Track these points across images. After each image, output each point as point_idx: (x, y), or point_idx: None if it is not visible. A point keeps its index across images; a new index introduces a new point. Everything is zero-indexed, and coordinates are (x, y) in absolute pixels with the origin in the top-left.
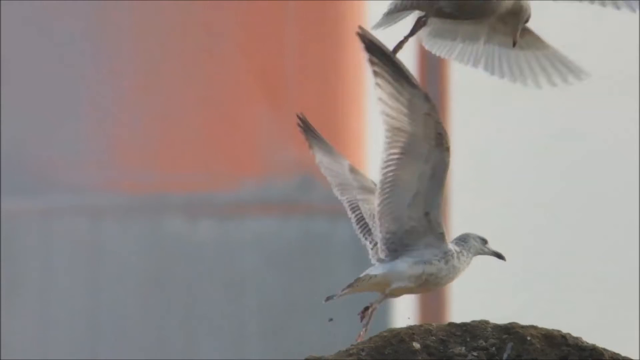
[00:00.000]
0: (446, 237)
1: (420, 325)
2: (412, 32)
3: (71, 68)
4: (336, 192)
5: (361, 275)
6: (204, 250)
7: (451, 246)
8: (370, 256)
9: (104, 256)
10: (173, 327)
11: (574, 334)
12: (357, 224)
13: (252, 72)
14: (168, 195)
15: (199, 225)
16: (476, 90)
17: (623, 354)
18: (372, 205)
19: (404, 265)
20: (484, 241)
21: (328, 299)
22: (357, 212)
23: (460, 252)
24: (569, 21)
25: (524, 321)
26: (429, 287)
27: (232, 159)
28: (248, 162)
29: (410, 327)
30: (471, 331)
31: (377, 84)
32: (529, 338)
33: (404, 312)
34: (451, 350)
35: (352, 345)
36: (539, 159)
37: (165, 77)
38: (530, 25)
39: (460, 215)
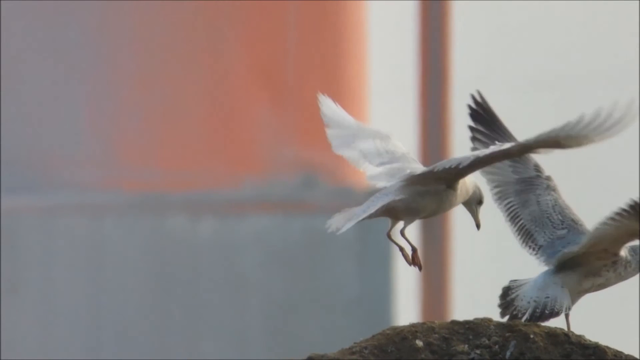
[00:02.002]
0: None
1: (423, 323)
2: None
3: (72, 66)
4: (494, 200)
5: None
6: (206, 248)
7: (623, 253)
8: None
9: (105, 254)
10: (174, 325)
11: (577, 332)
12: (519, 234)
13: (254, 70)
14: (169, 193)
15: (200, 223)
16: (479, 87)
17: (626, 352)
18: (533, 207)
19: (575, 279)
20: None
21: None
22: (519, 222)
23: (629, 262)
24: (568, 20)
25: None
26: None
27: (233, 157)
28: (250, 160)
29: (413, 325)
30: (474, 329)
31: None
32: (531, 336)
33: (407, 310)
34: (454, 348)
35: (354, 343)
36: (541, 156)
37: (166, 75)
38: (532, 25)
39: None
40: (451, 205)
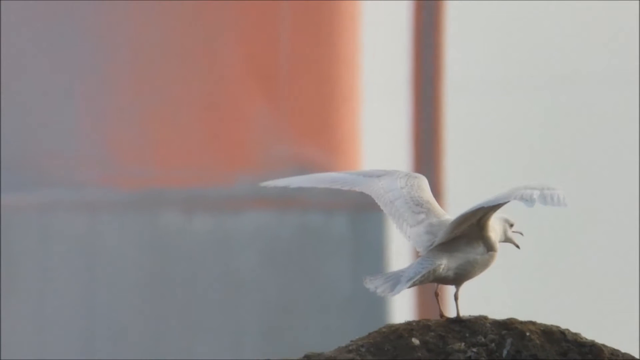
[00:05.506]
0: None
1: (419, 321)
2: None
3: (68, 66)
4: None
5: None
6: (201, 244)
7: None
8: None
9: (101, 251)
10: (170, 321)
11: (573, 330)
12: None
13: (248, 69)
14: (165, 190)
15: (195, 220)
16: (471, 86)
17: (623, 350)
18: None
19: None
20: None
21: None
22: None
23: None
24: (566, 19)
25: (522, 317)
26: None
27: (228, 155)
28: (244, 157)
29: (409, 323)
30: (470, 327)
31: None
32: (528, 334)
33: (402, 307)
34: (450, 346)
35: (351, 341)
36: (535, 154)
37: (162, 74)
38: (527, 26)
39: (455, 211)
40: (493, 262)
